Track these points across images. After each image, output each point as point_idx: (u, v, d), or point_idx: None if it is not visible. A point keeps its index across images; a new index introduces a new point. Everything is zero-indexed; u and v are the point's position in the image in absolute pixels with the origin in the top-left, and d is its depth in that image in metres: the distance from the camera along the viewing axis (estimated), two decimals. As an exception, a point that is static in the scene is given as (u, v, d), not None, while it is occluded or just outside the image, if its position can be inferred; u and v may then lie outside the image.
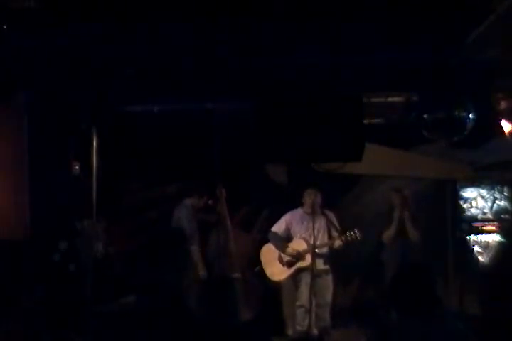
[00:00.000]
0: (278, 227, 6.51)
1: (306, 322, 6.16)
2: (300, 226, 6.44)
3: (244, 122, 5.26)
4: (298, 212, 6.52)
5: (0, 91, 4.88)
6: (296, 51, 4.96)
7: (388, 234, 6.45)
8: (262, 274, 6.58)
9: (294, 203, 6.58)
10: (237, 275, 6.58)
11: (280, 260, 6.48)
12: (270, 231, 6.55)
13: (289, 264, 6.42)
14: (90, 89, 5.33)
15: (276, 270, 6.50)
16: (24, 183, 4.89)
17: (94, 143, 5.59)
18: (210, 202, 6.75)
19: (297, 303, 6.34)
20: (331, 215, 6.46)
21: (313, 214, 6.24)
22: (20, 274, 4.88)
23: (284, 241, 6.47)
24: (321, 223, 6.34)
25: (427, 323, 2.97)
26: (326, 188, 6.43)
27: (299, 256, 6.35)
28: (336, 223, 6.42)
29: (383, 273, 6.47)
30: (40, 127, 5.02)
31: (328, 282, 6.40)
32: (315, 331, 6.22)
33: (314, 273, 6.14)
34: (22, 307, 4.84)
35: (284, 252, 6.43)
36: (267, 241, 6.62)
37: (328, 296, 6.38)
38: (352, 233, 6.18)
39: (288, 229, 6.48)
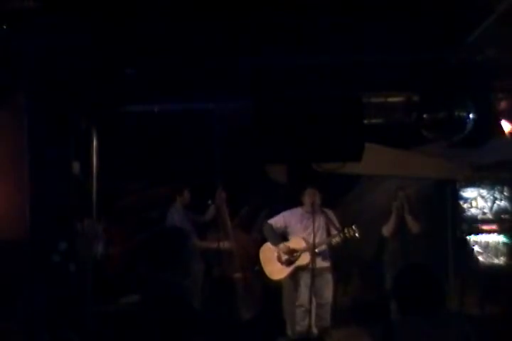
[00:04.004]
0: (275, 221, 6.51)
1: (306, 321, 6.16)
2: (299, 225, 6.45)
3: (244, 122, 5.26)
4: (297, 210, 6.53)
5: (0, 92, 4.87)
6: (296, 51, 4.95)
7: (387, 228, 6.48)
8: (261, 273, 6.59)
9: (294, 203, 6.58)
10: (237, 275, 6.59)
11: (279, 259, 6.48)
12: (266, 222, 6.54)
13: (288, 263, 6.43)
14: (90, 89, 5.32)
15: (275, 269, 6.51)
16: (24, 183, 4.87)
17: (94, 143, 5.59)
18: (209, 201, 6.77)
19: (297, 303, 6.35)
20: (331, 214, 6.49)
21: (312, 213, 6.25)
22: (20, 274, 4.87)
23: (278, 236, 6.48)
24: (320, 222, 6.35)
25: (427, 323, 2.97)
26: (327, 188, 6.44)
27: (295, 254, 6.36)
28: (335, 221, 6.44)
29: (383, 273, 6.49)
30: (40, 127, 5.01)
31: (328, 281, 6.41)
32: (315, 331, 6.22)
33: (314, 272, 6.15)
34: (22, 307, 4.84)
35: (276, 247, 6.43)
36: (266, 240, 6.63)
37: (329, 295, 6.38)
38: (350, 229, 6.20)
39: (286, 227, 6.49)
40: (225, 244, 6.50)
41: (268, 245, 6.59)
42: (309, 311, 6.09)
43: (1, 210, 4.85)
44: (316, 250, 6.21)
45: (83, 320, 5.25)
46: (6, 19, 4.22)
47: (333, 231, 6.38)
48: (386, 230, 6.53)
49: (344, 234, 6.23)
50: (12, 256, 4.83)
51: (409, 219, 6.44)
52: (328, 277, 6.42)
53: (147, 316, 3.64)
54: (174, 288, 3.71)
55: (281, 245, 6.42)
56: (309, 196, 6.38)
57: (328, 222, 6.40)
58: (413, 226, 6.42)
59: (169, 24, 4.46)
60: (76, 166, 5.63)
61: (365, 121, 5.15)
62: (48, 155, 5.11)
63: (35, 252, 4.93)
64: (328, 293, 6.39)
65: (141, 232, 6.80)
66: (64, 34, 4.51)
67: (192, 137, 6.24)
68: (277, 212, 6.67)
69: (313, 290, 6.16)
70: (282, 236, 6.51)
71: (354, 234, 6.18)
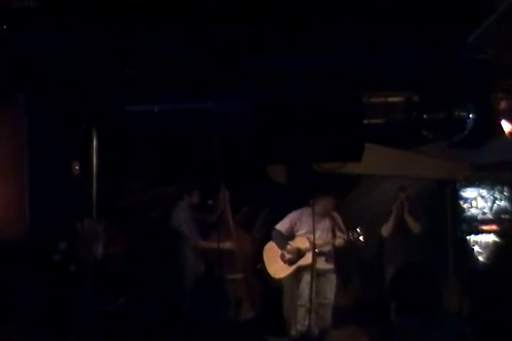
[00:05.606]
0: (282, 225, 6.52)
1: (307, 321, 6.16)
2: (304, 225, 6.44)
3: (244, 122, 5.26)
4: (304, 211, 6.50)
5: (0, 92, 4.88)
6: (296, 51, 4.96)
7: (386, 228, 6.48)
8: (263, 272, 6.58)
9: (294, 203, 6.58)
10: (238, 275, 6.59)
11: (282, 258, 6.48)
12: (273, 229, 6.54)
13: (291, 262, 6.43)
14: (90, 89, 5.32)
15: (278, 267, 6.51)
16: (24, 183, 4.88)
17: (94, 143, 5.59)
18: (210, 201, 6.76)
19: (298, 303, 6.34)
20: (337, 217, 6.49)
21: (320, 215, 6.23)
22: (21, 274, 4.88)
23: (285, 239, 6.48)
24: (325, 224, 6.37)
25: (427, 323, 2.97)
26: (327, 188, 6.45)
27: (298, 253, 6.37)
28: (341, 225, 6.45)
29: (384, 273, 6.48)
30: (40, 127, 5.01)
31: (331, 281, 6.41)
32: (315, 331, 6.22)
33: (316, 272, 6.16)
34: (22, 307, 4.84)
35: (284, 250, 6.43)
36: (267, 240, 6.63)
37: (331, 295, 6.39)
38: (354, 232, 6.21)
39: (292, 228, 6.49)
40: (226, 244, 6.49)
41: (271, 244, 6.59)
42: (310, 311, 6.08)
43: (1, 210, 4.86)
44: (321, 251, 6.21)
45: (83, 320, 5.25)
46: (6, 19, 4.23)
47: (339, 234, 6.39)
48: (385, 230, 6.52)
49: (348, 236, 6.25)
50: (12, 256, 4.84)
51: (409, 219, 6.43)
52: (332, 278, 6.42)
53: (146, 316, 3.65)
54: (173, 289, 3.73)
55: (289, 247, 6.43)
56: (324, 201, 6.35)
57: (334, 225, 6.41)
58: (413, 226, 6.41)
59: (169, 24, 4.47)
60: (76, 166, 5.64)
61: (365, 121, 5.15)
62: (47, 155, 5.12)
63: (35, 252, 4.93)
64: (330, 294, 6.39)
65: (142, 232, 6.80)
66: (64, 34, 4.51)
67: (192, 137, 6.24)
68: (277, 212, 6.66)
69: (316, 290, 6.16)
70: (289, 237, 6.52)
71: (358, 236, 6.21)
